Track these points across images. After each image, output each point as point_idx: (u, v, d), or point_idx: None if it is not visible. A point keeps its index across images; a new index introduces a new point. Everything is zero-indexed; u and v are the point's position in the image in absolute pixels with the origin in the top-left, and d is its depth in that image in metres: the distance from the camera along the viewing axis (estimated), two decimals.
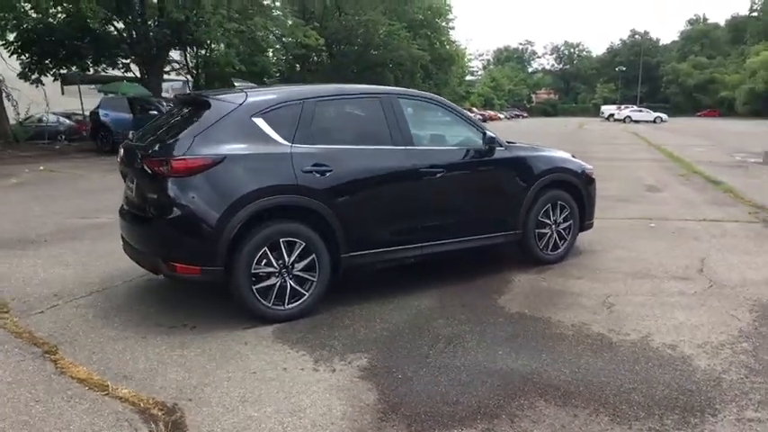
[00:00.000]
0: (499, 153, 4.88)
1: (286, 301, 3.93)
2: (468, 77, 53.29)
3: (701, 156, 16.28)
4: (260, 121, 3.92)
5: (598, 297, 4.41)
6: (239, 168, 3.78)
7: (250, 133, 3.88)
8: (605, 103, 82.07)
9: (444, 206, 4.65)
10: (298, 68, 34.45)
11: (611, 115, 56.52)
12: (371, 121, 4.43)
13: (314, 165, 3.99)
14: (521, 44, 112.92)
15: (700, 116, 70.64)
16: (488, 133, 4.81)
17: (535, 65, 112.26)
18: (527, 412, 2.79)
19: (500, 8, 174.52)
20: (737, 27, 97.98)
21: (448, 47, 42.72)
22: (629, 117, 52.42)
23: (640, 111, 55.20)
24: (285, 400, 2.90)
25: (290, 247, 3.90)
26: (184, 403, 2.86)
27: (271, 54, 28.18)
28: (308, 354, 3.44)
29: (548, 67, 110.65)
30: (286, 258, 3.89)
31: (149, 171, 3.83)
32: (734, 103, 75.86)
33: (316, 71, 33.70)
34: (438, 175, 4.50)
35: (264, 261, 3.83)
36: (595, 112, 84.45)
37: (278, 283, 3.89)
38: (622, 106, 61.05)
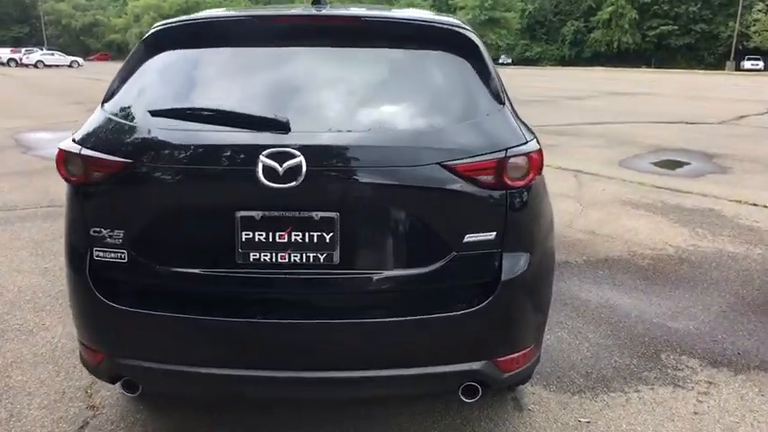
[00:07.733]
0: None
1: None
2: None
3: None
4: None
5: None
6: None
7: None
8: None
9: None
10: None
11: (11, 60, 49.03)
12: None
13: None
14: None
15: (92, 59, 69.43)
16: None
17: None
18: None
19: None
20: None
21: None
22: (41, 62, 46.90)
23: (52, 54, 50.14)
24: None
25: None
26: None
27: None
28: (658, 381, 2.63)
29: None
30: None
31: (473, 183, 1.74)
32: (124, 46, 78.27)
33: None
34: None
35: None
36: None
37: None
38: (23, 50, 53.57)
